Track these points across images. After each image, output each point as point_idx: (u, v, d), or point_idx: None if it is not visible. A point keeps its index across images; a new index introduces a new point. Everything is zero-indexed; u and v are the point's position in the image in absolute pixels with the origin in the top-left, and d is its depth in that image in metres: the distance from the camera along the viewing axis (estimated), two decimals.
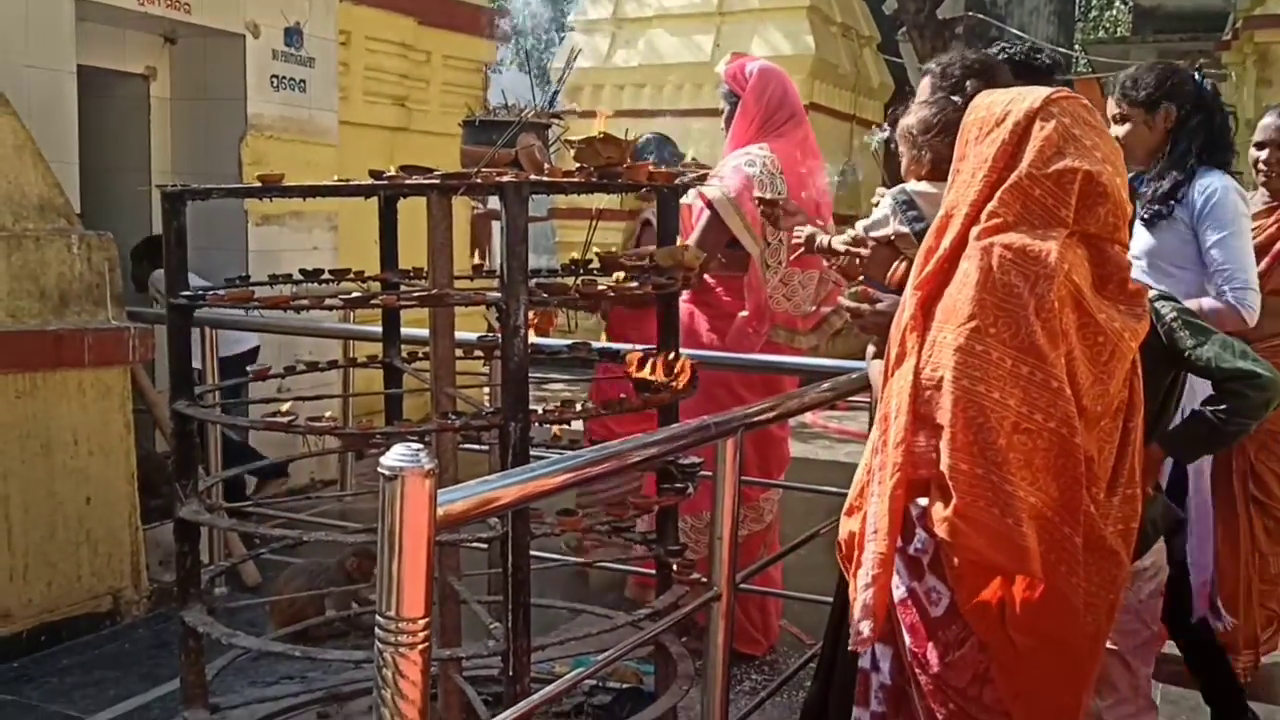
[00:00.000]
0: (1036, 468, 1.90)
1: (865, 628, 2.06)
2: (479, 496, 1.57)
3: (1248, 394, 2.35)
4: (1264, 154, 3.72)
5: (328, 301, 2.40)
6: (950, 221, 2.04)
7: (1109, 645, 2.23)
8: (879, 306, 2.36)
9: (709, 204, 3.85)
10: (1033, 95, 2.02)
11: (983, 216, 1.98)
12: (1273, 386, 2.35)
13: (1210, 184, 3.29)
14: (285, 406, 2.60)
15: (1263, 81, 8.72)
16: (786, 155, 3.91)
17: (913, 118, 2.50)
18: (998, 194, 1.98)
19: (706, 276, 3.91)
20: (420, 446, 1.37)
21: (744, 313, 3.92)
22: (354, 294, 2.45)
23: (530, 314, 2.33)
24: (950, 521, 1.92)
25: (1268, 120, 3.77)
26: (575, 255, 2.97)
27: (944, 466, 1.93)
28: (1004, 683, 2.01)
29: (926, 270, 2.05)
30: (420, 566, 1.36)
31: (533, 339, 2.68)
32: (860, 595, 2.06)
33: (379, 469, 1.35)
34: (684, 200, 4.03)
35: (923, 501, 2.04)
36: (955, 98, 2.41)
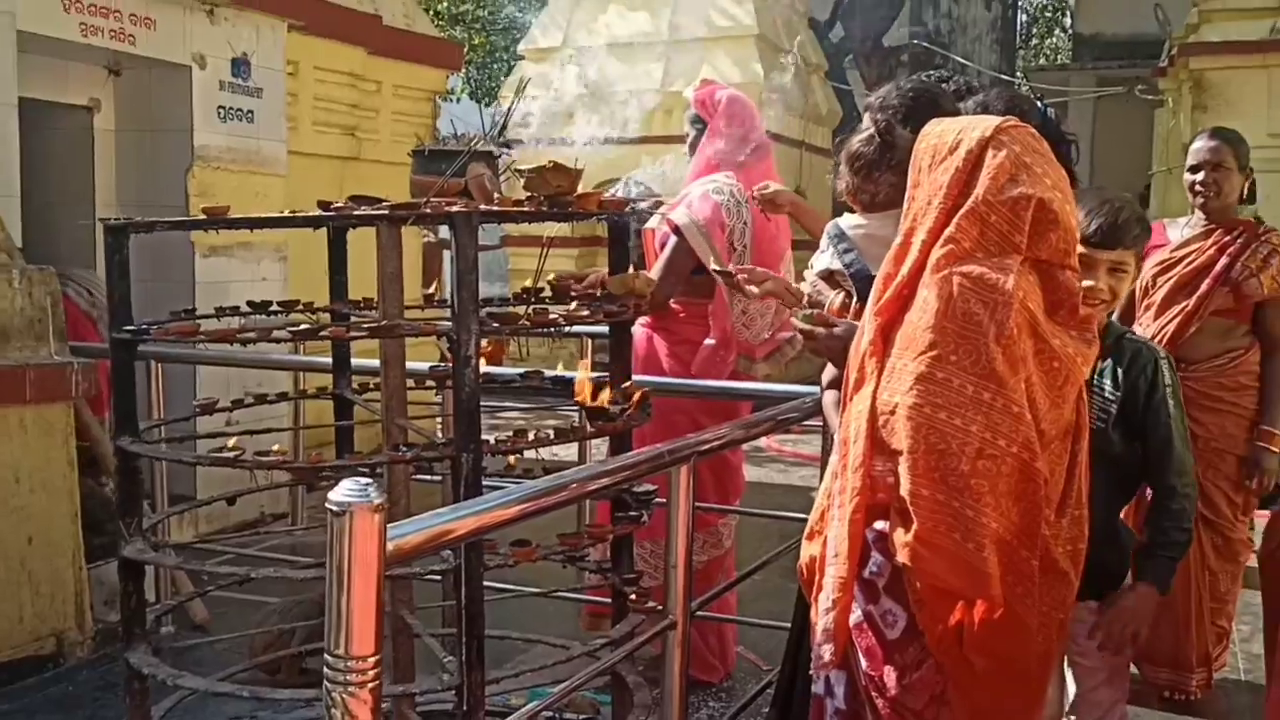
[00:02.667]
0: (1000, 493, 1.91)
1: (827, 652, 2.06)
2: (431, 530, 1.55)
3: (1190, 494, 2.40)
4: (1199, 176, 3.79)
5: (276, 334, 2.37)
6: (909, 249, 2.05)
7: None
8: (835, 331, 2.36)
9: (676, 229, 3.81)
10: (983, 124, 2.04)
11: (940, 242, 2.00)
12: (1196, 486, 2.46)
13: None
14: (232, 441, 2.55)
15: (1198, 107, 8.87)
16: (752, 186, 3.92)
17: (844, 150, 2.50)
18: (955, 220, 1.99)
19: (671, 302, 3.90)
20: (369, 480, 1.34)
21: (709, 340, 3.91)
22: (303, 325, 2.42)
23: (483, 342, 2.31)
24: (911, 547, 1.93)
25: (1199, 144, 3.84)
26: (528, 284, 2.95)
27: (904, 492, 1.93)
28: (961, 704, 2.01)
29: (886, 296, 2.06)
30: (370, 603, 1.34)
31: (485, 368, 2.66)
32: (821, 619, 2.06)
33: (326, 504, 1.33)
34: (647, 225, 4.03)
35: (880, 525, 2.04)
36: (878, 132, 2.39)
